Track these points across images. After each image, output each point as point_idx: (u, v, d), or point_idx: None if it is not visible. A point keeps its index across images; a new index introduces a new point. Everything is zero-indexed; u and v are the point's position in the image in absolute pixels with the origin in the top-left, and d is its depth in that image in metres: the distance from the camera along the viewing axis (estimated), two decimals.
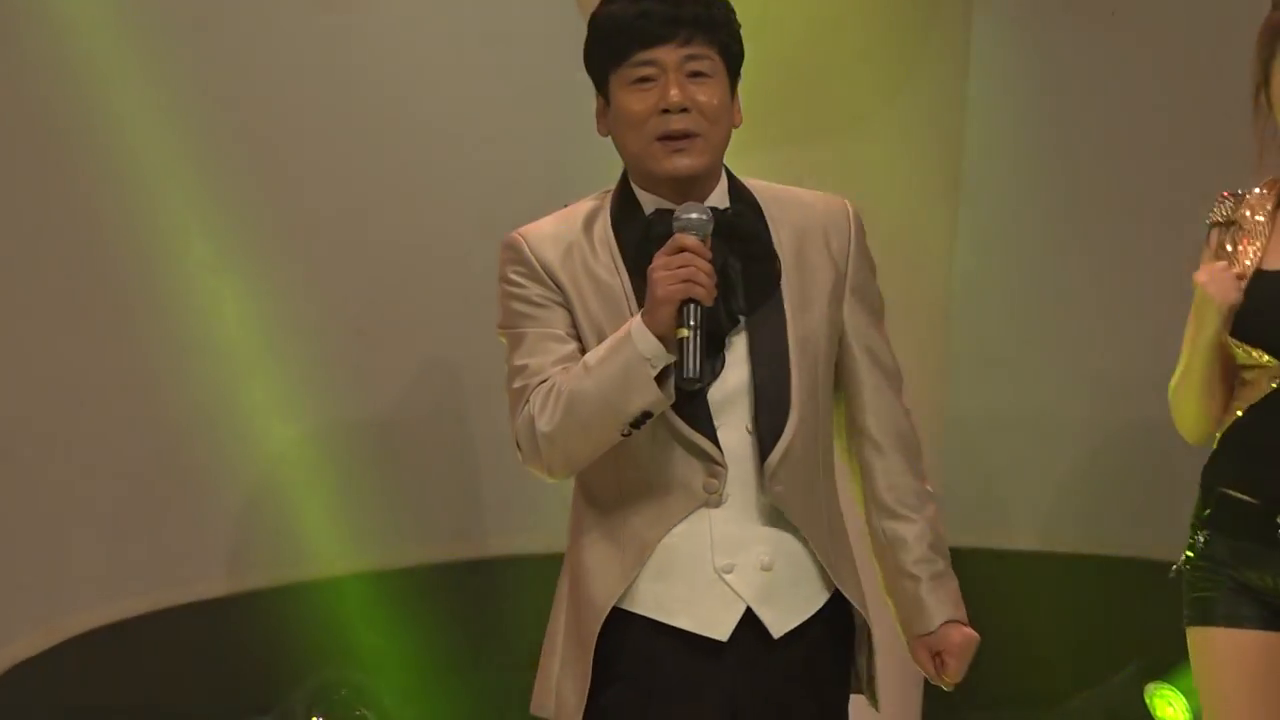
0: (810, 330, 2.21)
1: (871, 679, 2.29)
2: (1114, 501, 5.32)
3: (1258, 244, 2.77)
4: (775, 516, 2.18)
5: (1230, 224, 2.82)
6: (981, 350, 5.28)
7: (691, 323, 2.07)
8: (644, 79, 2.18)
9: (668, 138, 2.17)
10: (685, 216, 2.13)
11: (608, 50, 2.20)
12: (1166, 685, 4.57)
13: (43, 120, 5.08)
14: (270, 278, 5.18)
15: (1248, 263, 2.78)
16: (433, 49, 5.14)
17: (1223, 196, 2.87)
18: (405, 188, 5.09)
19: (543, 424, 2.13)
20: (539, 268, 2.19)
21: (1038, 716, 5.14)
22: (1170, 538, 3.17)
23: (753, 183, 2.30)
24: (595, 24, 2.22)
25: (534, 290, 2.18)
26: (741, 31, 2.27)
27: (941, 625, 2.26)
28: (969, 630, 2.27)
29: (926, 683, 4.36)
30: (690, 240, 2.10)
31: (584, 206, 2.26)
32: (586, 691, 2.17)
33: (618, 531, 2.18)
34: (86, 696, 5.01)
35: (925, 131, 4.46)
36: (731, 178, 2.27)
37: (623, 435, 2.12)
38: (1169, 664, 4.70)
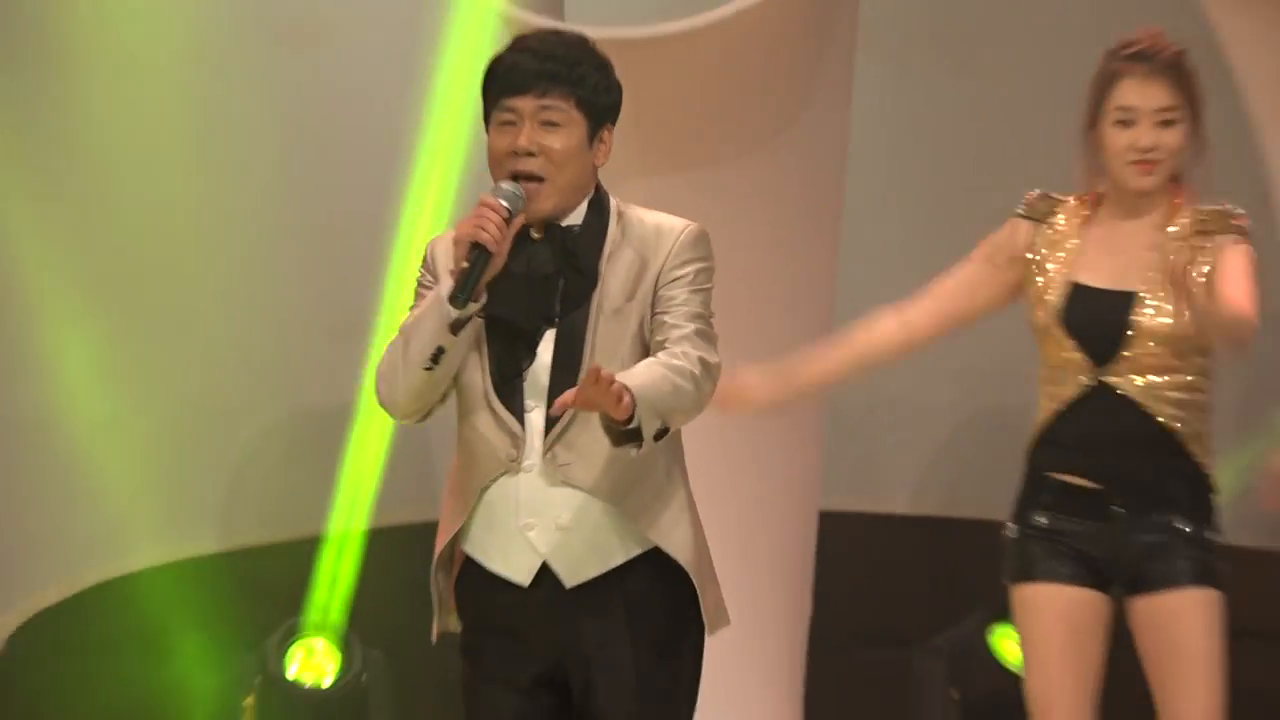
0: (615, 337, 2.44)
1: (704, 614, 2.47)
2: (970, 473, 5.82)
3: (1062, 254, 3.14)
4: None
5: (1042, 223, 3.17)
6: None
7: (470, 258, 2.35)
8: (506, 122, 2.45)
9: (516, 177, 2.42)
10: (500, 185, 2.42)
11: (485, 93, 2.48)
12: (1008, 626, 5.05)
13: (41, 119, 5.56)
14: (248, 275, 5.59)
15: (1051, 268, 3.14)
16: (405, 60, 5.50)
17: (1037, 196, 3.23)
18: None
19: (379, 364, 2.45)
20: (430, 263, 2.51)
21: (902, 652, 5.58)
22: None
23: (627, 207, 2.52)
24: (486, 69, 2.50)
25: (424, 278, 2.51)
26: (621, 86, 2.52)
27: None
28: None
29: (812, 621, 4.85)
30: (488, 197, 2.38)
31: None
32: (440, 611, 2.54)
33: (458, 482, 2.51)
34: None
35: (815, 156, 4.82)
36: (599, 203, 2.49)
37: (425, 369, 2.38)
38: (1010, 611, 5.08)
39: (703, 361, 2.42)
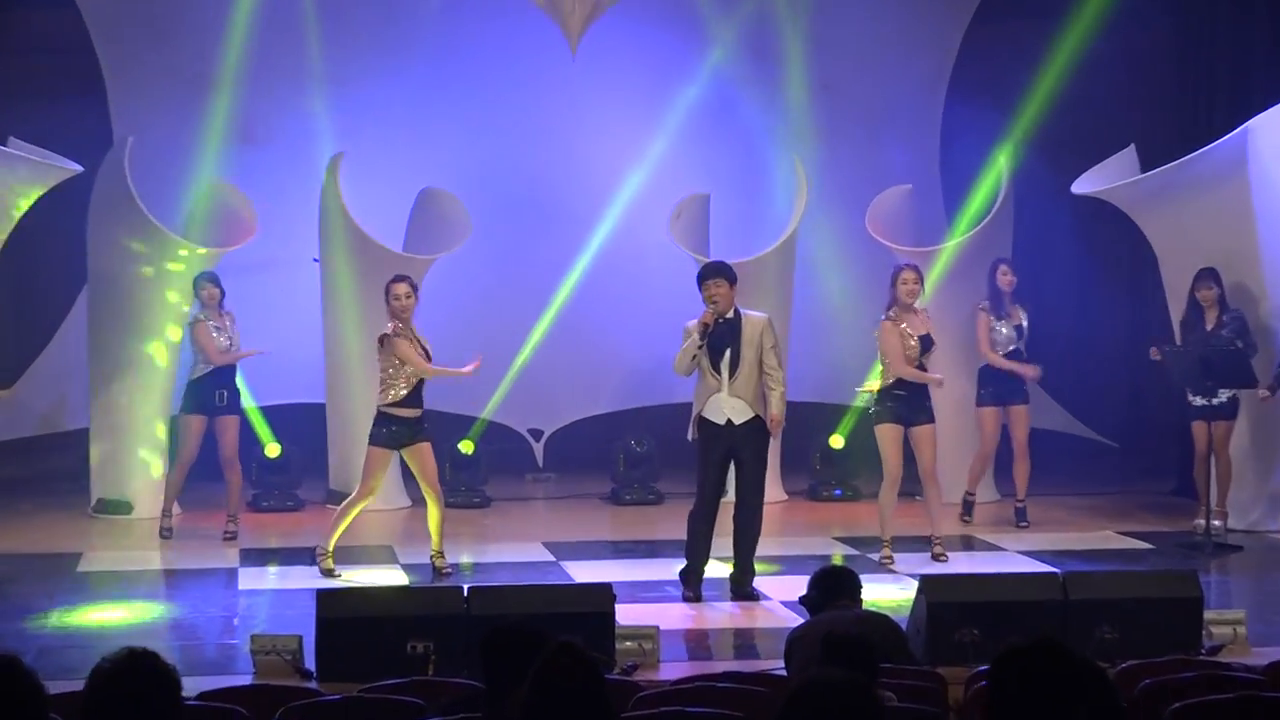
0: (751, 354, 7.63)
1: (771, 422, 7.75)
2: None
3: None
4: (741, 396, 7.70)
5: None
6: None
7: (703, 331, 7.72)
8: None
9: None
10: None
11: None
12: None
13: None
14: None
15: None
16: None
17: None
18: None
19: (676, 362, 7.79)
20: (689, 330, 7.81)
21: None
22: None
23: (742, 309, 7.72)
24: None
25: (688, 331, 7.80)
26: None
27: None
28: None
29: None
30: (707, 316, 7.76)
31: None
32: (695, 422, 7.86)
33: (697, 392, 7.81)
34: None
35: None
36: (736, 311, 7.74)
37: (691, 359, 7.75)
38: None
39: (781, 373, 7.89)
